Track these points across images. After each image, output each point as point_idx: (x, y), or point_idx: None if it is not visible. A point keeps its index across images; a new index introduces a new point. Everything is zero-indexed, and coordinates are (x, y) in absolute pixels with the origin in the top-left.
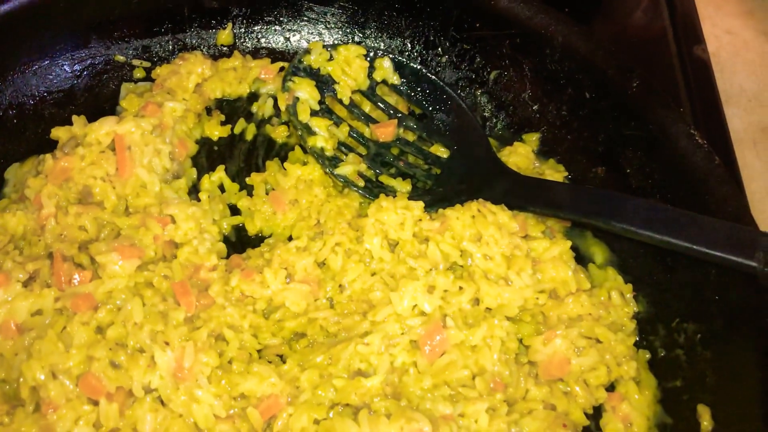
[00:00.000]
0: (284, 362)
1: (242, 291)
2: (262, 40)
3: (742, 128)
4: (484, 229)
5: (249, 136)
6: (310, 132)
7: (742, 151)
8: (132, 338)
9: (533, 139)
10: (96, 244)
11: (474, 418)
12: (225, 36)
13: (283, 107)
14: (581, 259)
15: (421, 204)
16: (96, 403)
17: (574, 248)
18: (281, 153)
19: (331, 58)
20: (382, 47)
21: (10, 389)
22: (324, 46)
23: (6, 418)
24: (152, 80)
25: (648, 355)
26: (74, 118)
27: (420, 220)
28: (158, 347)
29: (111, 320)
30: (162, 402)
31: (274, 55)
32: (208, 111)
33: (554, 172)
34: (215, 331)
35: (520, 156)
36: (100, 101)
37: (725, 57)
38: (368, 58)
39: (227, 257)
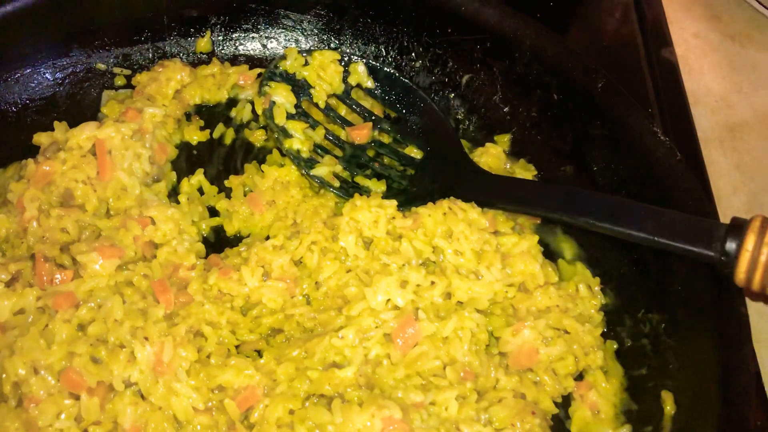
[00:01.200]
0: (261, 357)
1: (220, 289)
2: (240, 48)
3: (709, 127)
4: (454, 225)
5: (228, 141)
6: (286, 134)
7: (709, 150)
8: (112, 334)
9: (504, 140)
10: (77, 245)
11: (444, 406)
12: (204, 44)
13: (260, 111)
14: (551, 254)
15: (394, 202)
16: (77, 398)
17: (544, 244)
18: (259, 156)
19: (306, 63)
20: (357, 53)
21: None
22: (299, 52)
23: None
24: (133, 87)
25: (615, 345)
26: (56, 123)
27: (393, 218)
28: (138, 342)
29: (92, 317)
30: (142, 396)
31: (252, 61)
32: (188, 116)
33: (525, 172)
34: (194, 327)
35: (492, 156)
36: (81, 108)
37: (693, 59)
38: (343, 63)
39: (206, 257)
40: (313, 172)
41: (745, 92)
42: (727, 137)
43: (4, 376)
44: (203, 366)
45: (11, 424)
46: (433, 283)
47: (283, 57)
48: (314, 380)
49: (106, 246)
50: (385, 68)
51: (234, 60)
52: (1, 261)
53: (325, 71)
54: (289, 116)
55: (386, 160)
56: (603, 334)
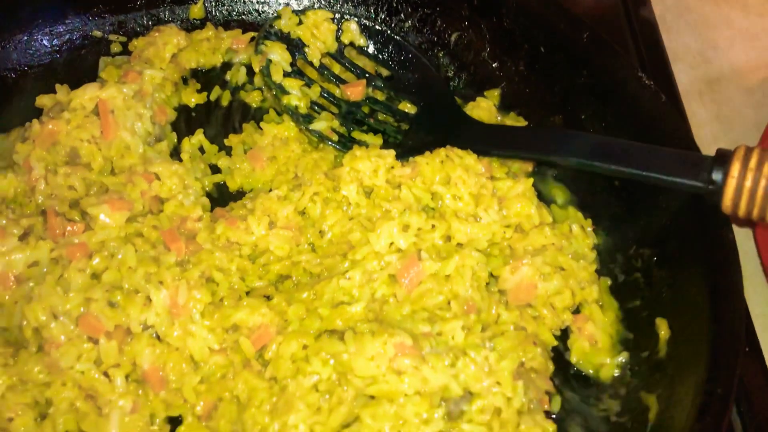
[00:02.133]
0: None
1: (228, 238)
2: (233, 13)
3: (688, 82)
4: (452, 171)
5: (224, 102)
6: (284, 91)
7: (690, 103)
8: (127, 281)
9: (494, 95)
10: (87, 198)
11: (451, 335)
12: (197, 10)
13: (257, 69)
14: (544, 200)
15: (392, 152)
16: (96, 342)
17: (536, 191)
18: (256, 117)
19: (300, 23)
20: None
21: (11, 336)
22: (293, 11)
23: (11, 360)
24: (128, 54)
25: (609, 282)
26: (57, 86)
27: (392, 167)
28: (153, 287)
29: (105, 266)
30: (158, 338)
31: (245, 26)
32: (184, 80)
33: (515, 124)
34: (205, 273)
35: (483, 110)
36: (79, 74)
37: (670, 18)
38: (335, 22)
39: (211, 211)
40: (312, 127)
41: (721, 48)
42: (706, 90)
43: (24, 322)
44: (217, 308)
45: (33, 367)
46: (433, 226)
47: (278, 16)
48: (325, 317)
49: (115, 199)
50: (377, 26)
51: (227, 25)
52: (12, 217)
53: (319, 30)
54: (285, 74)
55: (381, 116)
56: (597, 272)
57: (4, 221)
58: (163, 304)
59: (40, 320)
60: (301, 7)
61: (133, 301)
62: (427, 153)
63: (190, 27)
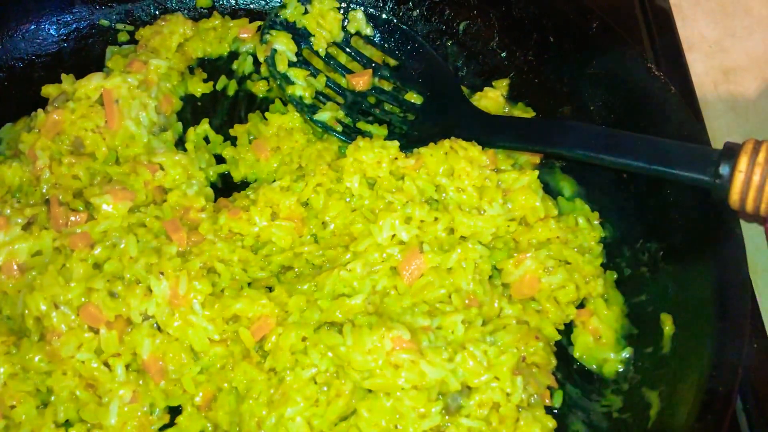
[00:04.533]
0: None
1: (230, 228)
2: (240, 1)
3: (704, 71)
4: (456, 163)
5: (231, 92)
6: (288, 81)
7: (704, 93)
8: (128, 271)
9: (503, 85)
10: (90, 188)
11: (450, 329)
12: None
13: (262, 59)
14: (551, 193)
15: (396, 143)
16: (97, 331)
17: (543, 183)
18: (262, 107)
19: (306, 12)
20: (356, 2)
21: (14, 324)
22: (299, 0)
23: (13, 349)
24: (136, 43)
25: (615, 275)
26: (63, 76)
27: (396, 158)
28: (154, 277)
29: (107, 256)
30: (159, 328)
31: (252, 15)
32: (191, 70)
33: (523, 114)
34: (207, 264)
35: (491, 100)
36: (86, 64)
37: (686, 7)
38: (342, 11)
39: (215, 201)
40: (316, 117)
41: (739, 37)
42: (721, 80)
43: (26, 311)
44: (217, 298)
45: (34, 356)
46: (436, 219)
47: (283, 6)
48: (325, 309)
49: (118, 189)
50: (383, 15)
51: (234, 14)
52: (17, 206)
53: (325, 19)
54: (291, 64)
55: (387, 107)
56: (603, 266)
57: (8, 210)
58: (163, 295)
59: (41, 310)
60: None
61: (134, 291)
62: (432, 144)
63: (197, 16)
